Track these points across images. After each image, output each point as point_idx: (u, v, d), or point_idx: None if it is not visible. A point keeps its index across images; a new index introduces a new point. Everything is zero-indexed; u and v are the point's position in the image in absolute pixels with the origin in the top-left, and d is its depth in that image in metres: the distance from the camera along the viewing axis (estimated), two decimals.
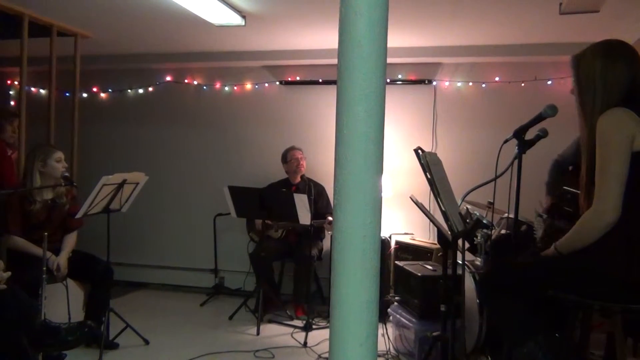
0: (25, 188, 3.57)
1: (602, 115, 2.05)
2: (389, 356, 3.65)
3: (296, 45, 4.98)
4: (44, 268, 3.25)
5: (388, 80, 5.11)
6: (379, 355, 3.65)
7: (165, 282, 5.66)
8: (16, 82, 5.75)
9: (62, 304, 3.61)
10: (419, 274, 3.49)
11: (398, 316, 3.66)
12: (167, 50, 5.32)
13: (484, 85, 5.03)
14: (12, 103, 5.94)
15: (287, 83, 5.46)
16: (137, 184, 3.80)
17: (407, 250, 4.69)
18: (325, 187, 5.04)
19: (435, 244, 4.50)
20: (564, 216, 3.02)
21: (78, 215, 3.54)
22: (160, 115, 5.78)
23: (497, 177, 2.48)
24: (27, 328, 2.81)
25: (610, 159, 2.00)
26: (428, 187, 2.62)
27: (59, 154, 3.66)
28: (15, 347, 2.72)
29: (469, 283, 3.30)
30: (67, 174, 3.64)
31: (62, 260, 3.55)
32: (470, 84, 5.07)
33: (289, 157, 4.98)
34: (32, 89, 5.75)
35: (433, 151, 4.74)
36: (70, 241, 3.73)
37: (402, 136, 5.07)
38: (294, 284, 4.71)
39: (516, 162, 2.36)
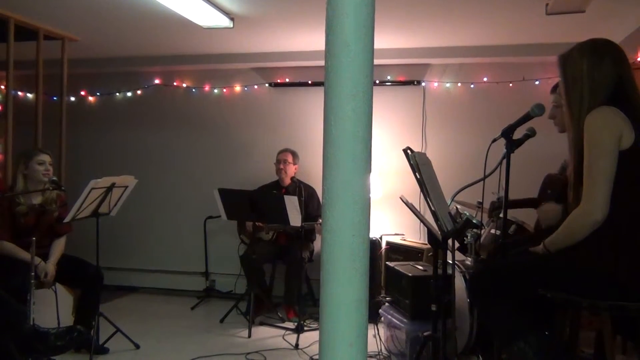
0: (12, 192, 3.54)
1: (589, 114, 2.07)
2: (381, 357, 3.65)
3: (285, 47, 4.98)
4: (32, 273, 3.22)
5: (377, 82, 5.13)
6: (371, 356, 3.64)
7: (156, 286, 5.63)
8: (2, 86, 5.69)
9: (52, 309, 3.58)
10: (410, 274, 3.50)
11: (389, 317, 3.67)
12: (156, 53, 5.30)
13: (472, 86, 5.06)
14: None
15: (277, 85, 5.46)
16: (126, 187, 3.78)
17: (397, 250, 4.70)
18: (317, 189, 5.04)
19: (426, 244, 4.51)
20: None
21: (66, 220, 3.51)
22: (149, 118, 5.76)
23: (485, 176, 2.49)
24: (15, 333, 2.79)
25: (599, 157, 2.01)
26: (418, 188, 2.62)
27: (42, 157, 3.62)
28: (4, 353, 2.70)
29: (460, 283, 3.31)
30: (54, 178, 3.61)
31: (50, 267, 3.52)
32: (459, 84, 5.09)
33: (276, 159, 4.99)
34: (19, 92, 5.71)
35: (422, 151, 4.76)
36: (58, 247, 3.70)
37: (391, 137, 5.09)
38: (285, 286, 4.70)
39: (504, 161, 2.37)
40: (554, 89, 2.85)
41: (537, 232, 3.31)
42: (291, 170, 4.97)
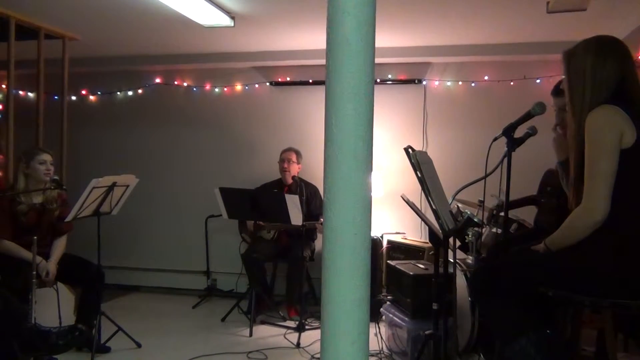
0: (13, 191, 3.54)
1: (591, 113, 2.06)
2: (382, 355, 3.65)
3: (286, 46, 4.98)
4: (34, 272, 3.22)
5: (378, 80, 5.12)
6: (373, 355, 3.65)
7: (157, 285, 5.64)
8: (4, 86, 5.69)
9: (53, 308, 3.58)
10: (411, 273, 3.50)
11: (390, 315, 3.67)
12: (157, 52, 5.30)
13: (473, 85, 5.05)
14: (0, 107, 5.89)
15: (278, 84, 5.46)
16: (128, 186, 3.78)
17: (398, 249, 4.69)
18: (319, 187, 5.03)
19: (427, 242, 4.51)
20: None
21: (68, 219, 3.52)
22: (150, 117, 5.76)
23: (487, 175, 2.49)
24: (17, 332, 2.80)
25: (600, 157, 2.00)
26: (419, 186, 2.62)
27: (44, 156, 3.62)
28: (6, 352, 2.70)
29: (461, 281, 3.31)
30: (56, 177, 3.62)
31: (51, 266, 3.53)
32: (460, 83, 5.09)
33: (280, 158, 4.99)
34: (20, 92, 5.71)
35: (423, 150, 4.76)
36: (59, 246, 3.71)
37: (393, 136, 5.09)
38: (287, 285, 4.71)
39: (506, 160, 2.37)
40: (557, 92, 2.77)
41: (536, 228, 3.32)
42: (295, 169, 4.97)
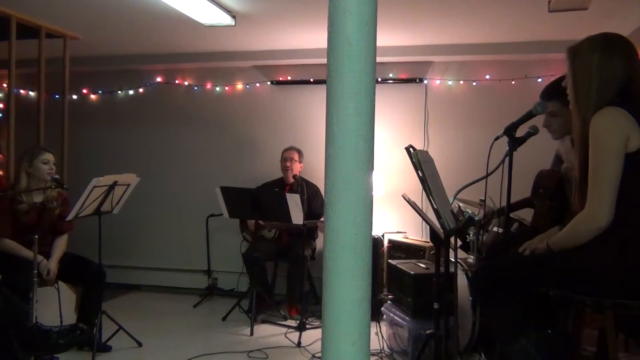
0: (13, 190, 3.54)
1: (595, 115, 2.02)
2: (383, 355, 3.65)
3: (287, 45, 4.98)
4: (35, 271, 3.22)
5: (379, 79, 5.12)
6: (373, 354, 3.64)
7: (158, 284, 5.64)
8: (5, 85, 5.70)
9: (54, 307, 3.59)
10: (412, 272, 3.49)
11: (391, 315, 3.67)
12: (157, 51, 5.30)
13: (474, 84, 5.05)
14: (1, 106, 5.89)
15: (279, 83, 5.45)
16: (129, 185, 3.78)
17: (399, 248, 4.69)
18: (320, 187, 5.03)
19: (428, 242, 4.51)
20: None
21: (69, 218, 3.52)
22: (151, 116, 5.76)
23: (488, 174, 2.49)
24: (18, 331, 2.79)
25: (604, 161, 1.97)
26: (420, 186, 2.62)
27: (47, 156, 3.63)
28: (6, 351, 2.70)
29: (462, 280, 3.31)
30: (57, 177, 3.62)
31: (52, 264, 3.53)
32: (461, 82, 5.08)
33: (282, 157, 4.99)
34: (22, 91, 5.71)
35: (425, 149, 4.75)
36: (60, 245, 3.71)
37: (394, 135, 5.08)
38: (287, 284, 4.70)
39: (507, 159, 2.37)
40: (548, 96, 2.69)
41: (534, 228, 3.31)
42: (297, 168, 4.96)
